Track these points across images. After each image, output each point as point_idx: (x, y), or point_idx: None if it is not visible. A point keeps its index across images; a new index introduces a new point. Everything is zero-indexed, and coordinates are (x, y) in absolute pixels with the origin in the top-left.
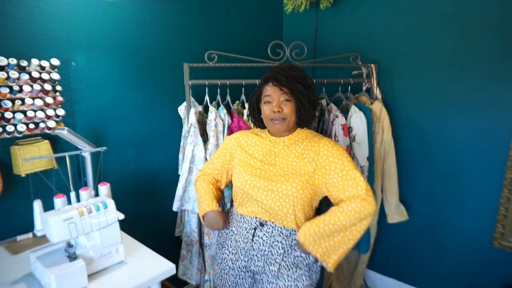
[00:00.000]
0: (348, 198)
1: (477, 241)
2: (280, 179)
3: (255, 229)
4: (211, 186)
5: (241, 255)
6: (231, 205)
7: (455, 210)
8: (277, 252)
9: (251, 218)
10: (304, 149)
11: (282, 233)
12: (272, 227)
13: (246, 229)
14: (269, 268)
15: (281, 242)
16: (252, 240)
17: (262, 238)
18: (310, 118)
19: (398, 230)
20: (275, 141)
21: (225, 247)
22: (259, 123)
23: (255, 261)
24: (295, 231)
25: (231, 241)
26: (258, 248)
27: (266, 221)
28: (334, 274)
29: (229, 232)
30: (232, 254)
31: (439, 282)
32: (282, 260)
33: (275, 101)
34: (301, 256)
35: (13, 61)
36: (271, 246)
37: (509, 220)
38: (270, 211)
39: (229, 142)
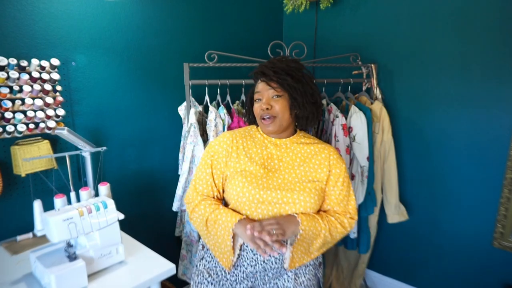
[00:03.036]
0: (336, 211)
1: (477, 241)
2: (293, 188)
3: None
4: (221, 206)
5: (244, 278)
6: None
7: (455, 210)
8: None
9: None
10: (311, 154)
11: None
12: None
13: (252, 251)
14: (283, 277)
15: None
16: (264, 261)
17: (274, 256)
18: (310, 115)
19: (398, 230)
20: (275, 142)
21: (210, 270)
22: (254, 124)
23: (265, 280)
24: None
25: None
26: (271, 267)
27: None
28: (334, 274)
29: None
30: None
31: (439, 282)
32: (296, 274)
33: (265, 98)
34: (311, 266)
35: (13, 61)
36: (283, 260)
37: (509, 220)
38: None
39: (219, 148)
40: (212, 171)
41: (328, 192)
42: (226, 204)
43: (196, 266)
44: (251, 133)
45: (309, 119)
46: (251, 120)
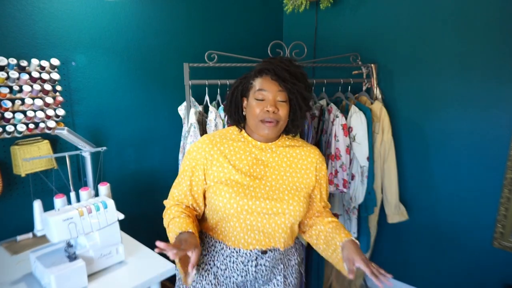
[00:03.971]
0: (320, 209)
1: (477, 241)
2: (282, 197)
3: (256, 259)
4: (183, 215)
5: None
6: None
7: (455, 210)
8: (277, 269)
9: (250, 252)
10: (297, 158)
11: (283, 252)
12: (275, 251)
13: (243, 263)
14: (273, 282)
15: (280, 259)
16: (255, 271)
17: (264, 265)
18: (301, 125)
19: (398, 230)
20: (260, 146)
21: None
22: (239, 121)
23: (255, 287)
24: (292, 243)
25: (214, 276)
26: (261, 275)
27: (268, 248)
28: (334, 274)
29: (210, 268)
30: None
31: (439, 282)
32: (284, 277)
33: (270, 99)
34: (296, 265)
35: (13, 61)
36: (273, 267)
37: (509, 220)
38: (271, 237)
39: (198, 155)
40: (190, 179)
41: (315, 194)
42: (208, 217)
43: (178, 285)
44: (232, 136)
45: (298, 128)
46: (237, 118)
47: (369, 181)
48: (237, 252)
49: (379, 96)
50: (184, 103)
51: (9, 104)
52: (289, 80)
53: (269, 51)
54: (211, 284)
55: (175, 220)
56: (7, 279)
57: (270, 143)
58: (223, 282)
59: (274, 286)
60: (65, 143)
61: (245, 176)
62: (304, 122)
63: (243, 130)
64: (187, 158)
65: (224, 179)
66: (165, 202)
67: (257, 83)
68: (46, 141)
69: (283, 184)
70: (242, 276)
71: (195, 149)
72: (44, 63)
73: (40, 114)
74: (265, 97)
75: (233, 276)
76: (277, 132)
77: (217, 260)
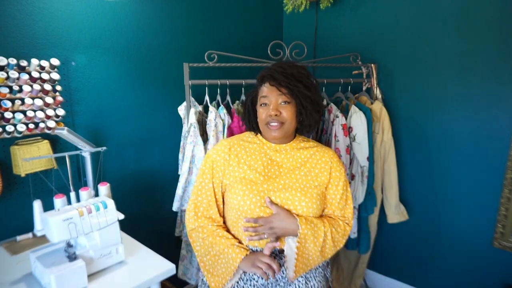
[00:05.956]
0: (335, 216)
1: (477, 241)
2: (294, 195)
3: (274, 258)
4: (222, 240)
5: None
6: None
7: (455, 210)
8: None
9: None
10: (311, 158)
11: None
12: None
13: None
14: (294, 284)
15: None
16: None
17: (284, 266)
18: (313, 123)
19: (398, 230)
20: (275, 148)
21: None
22: (254, 128)
23: None
24: None
25: (239, 282)
26: (282, 276)
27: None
28: (334, 274)
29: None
30: None
31: (439, 282)
32: (306, 279)
33: (272, 103)
34: (320, 268)
35: (13, 61)
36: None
37: (509, 220)
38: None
39: (217, 156)
40: (212, 181)
41: (328, 196)
42: (227, 217)
43: (203, 280)
44: (249, 139)
45: (311, 127)
46: (251, 124)
47: (369, 181)
48: (255, 251)
49: (379, 96)
50: (184, 103)
51: (9, 104)
52: (285, 82)
53: (269, 51)
54: (232, 285)
55: (220, 248)
56: (7, 279)
57: (284, 144)
58: (242, 286)
59: (295, 287)
60: (65, 143)
61: (259, 176)
62: (317, 123)
63: (259, 134)
64: (206, 161)
65: (239, 178)
66: (187, 212)
67: (261, 90)
68: (46, 141)
69: (296, 182)
70: (262, 279)
71: (214, 152)
72: (44, 63)
73: (40, 114)
74: (268, 102)
75: (254, 279)
76: (283, 132)
77: None
